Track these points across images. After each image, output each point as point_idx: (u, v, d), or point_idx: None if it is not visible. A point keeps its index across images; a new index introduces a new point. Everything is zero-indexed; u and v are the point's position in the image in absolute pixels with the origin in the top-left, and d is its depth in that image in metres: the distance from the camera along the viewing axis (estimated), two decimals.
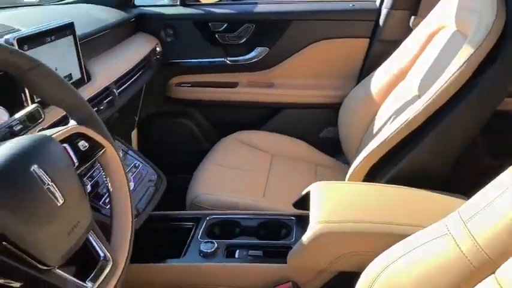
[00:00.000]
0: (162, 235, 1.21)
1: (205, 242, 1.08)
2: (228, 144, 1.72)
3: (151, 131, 1.95)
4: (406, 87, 1.37)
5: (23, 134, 0.72)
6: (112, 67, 1.33)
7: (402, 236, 0.78)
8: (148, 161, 1.32)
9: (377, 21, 1.71)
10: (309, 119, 1.86)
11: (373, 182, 1.18)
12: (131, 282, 1.03)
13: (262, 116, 1.88)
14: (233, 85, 1.86)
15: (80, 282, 0.63)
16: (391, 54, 1.51)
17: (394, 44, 1.52)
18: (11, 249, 0.54)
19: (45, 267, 0.58)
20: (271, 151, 1.71)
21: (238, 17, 1.79)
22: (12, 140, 0.62)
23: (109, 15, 1.54)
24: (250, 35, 1.78)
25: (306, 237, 0.94)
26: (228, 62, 1.82)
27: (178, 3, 1.81)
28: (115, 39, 1.51)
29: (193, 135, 1.93)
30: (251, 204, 1.30)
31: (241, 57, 1.82)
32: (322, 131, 1.86)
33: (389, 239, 0.81)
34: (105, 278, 0.67)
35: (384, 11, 1.68)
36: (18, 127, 0.73)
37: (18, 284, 0.60)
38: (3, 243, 0.53)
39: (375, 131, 1.39)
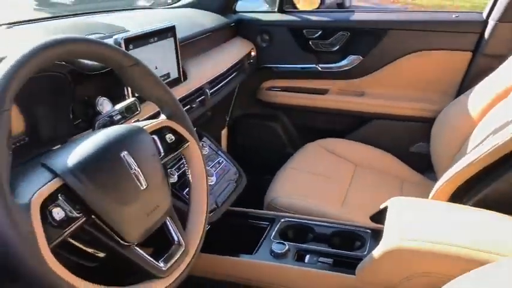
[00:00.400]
0: (238, 230, 1.26)
1: (277, 243, 1.10)
2: (312, 150, 1.73)
3: (241, 131, 2.03)
4: (508, 106, 1.26)
5: (120, 124, 0.81)
6: (207, 69, 1.42)
7: (480, 263, 0.73)
8: (232, 159, 1.38)
9: (482, 33, 1.60)
10: (399, 132, 1.80)
11: (459, 203, 1.11)
12: (203, 270, 1.10)
13: (349, 125, 1.86)
14: (323, 92, 1.87)
15: (153, 261, 0.70)
16: (494, 69, 1.40)
17: (500, 59, 1.42)
18: (99, 223, 0.62)
19: (126, 243, 0.65)
20: (356, 161, 1.68)
21: (333, 25, 1.79)
22: (110, 128, 0.70)
23: (211, 20, 1.64)
24: (344, 42, 1.77)
25: (377, 252, 0.92)
26: (319, 68, 1.83)
27: (276, 10, 1.87)
28: (214, 42, 1.61)
29: (279, 139, 1.97)
30: (327, 212, 1.30)
31: (333, 65, 1.82)
32: (413, 146, 1.79)
33: (465, 263, 0.77)
34: (176, 260, 0.73)
35: (491, 23, 1.57)
36: (118, 117, 0.82)
37: (102, 255, 0.69)
38: (92, 216, 0.61)
39: (468, 150, 1.30)
